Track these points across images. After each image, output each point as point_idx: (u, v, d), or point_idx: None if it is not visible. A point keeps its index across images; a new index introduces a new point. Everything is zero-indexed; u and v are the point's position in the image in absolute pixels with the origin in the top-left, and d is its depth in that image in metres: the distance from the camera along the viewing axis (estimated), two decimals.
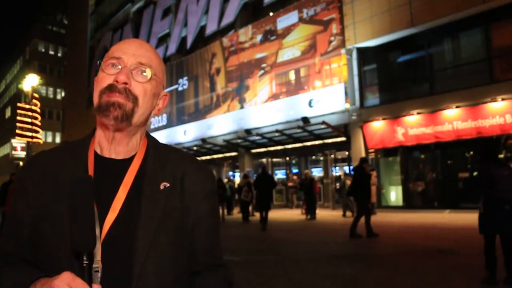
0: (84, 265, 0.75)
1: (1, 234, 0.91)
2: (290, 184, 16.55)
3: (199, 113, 21.51)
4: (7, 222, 0.90)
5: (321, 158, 17.71)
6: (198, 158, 1.02)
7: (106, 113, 0.84)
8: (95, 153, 0.90)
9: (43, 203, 0.85)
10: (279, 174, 20.42)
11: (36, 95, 35.75)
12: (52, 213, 0.83)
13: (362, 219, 8.07)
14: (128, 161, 0.90)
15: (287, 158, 19.45)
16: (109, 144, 0.90)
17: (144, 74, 0.88)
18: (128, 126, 0.87)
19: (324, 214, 13.88)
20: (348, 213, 12.39)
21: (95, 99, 0.87)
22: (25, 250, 0.86)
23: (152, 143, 0.96)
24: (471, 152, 13.05)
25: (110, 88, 0.85)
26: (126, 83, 0.85)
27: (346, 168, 17.61)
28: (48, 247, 0.82)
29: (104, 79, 0.86)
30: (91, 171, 0.87)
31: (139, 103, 0.87)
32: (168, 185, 0.89)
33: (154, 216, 0.85)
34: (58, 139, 47.02)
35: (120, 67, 0.86)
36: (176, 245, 0.87)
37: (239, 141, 18.50)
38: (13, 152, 30.18)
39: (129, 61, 0.87)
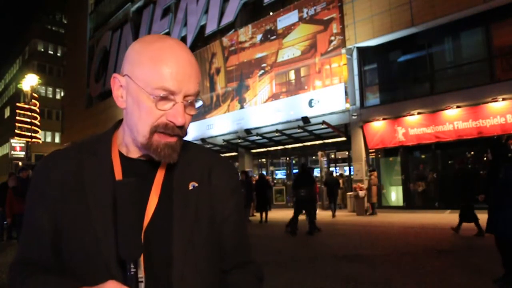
0: (132, 273, 0.71)
1: (21, 243, 0.86)
2: None
3: (199, 113, 21.45)
4: (26, 229, 0.84)
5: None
6: None
7: (159, 154, 0.80)
8: (120, 153, 0.86)
9: (67, 208, 0.80)
10: (279, 174, 20.40)
11: (35, 95, 35.73)
12: (80, 218, 0.79)
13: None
14: (155, 162, 0.85)
15: (287, 158, 19.42)
16: (139, 150, 0.85)
17: (195, 104, 0.83)
18: None
19: (324, 214, 13.84)
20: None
21: (142, 133, 0.79)
22: (49, 258, 0.81)
23: None
24: (472, 152, 13.02)
25: (165, 128, 0.79)
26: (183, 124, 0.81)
27: (346, 168, 17.60)
28: (79, 253, 0.78)
29: (154, 112, 0.78)
30: (118, 173, 0.82)
31: (186, 132, 0.84)
32: (196, 184, 0.86)
33: (187, 218, 0.83)
34: (57, 139, 46.97)
35: (173, 101, 0.78)
36: (210, 244, 0.85)
37: (239, 141, 18.48)
38: (12, 152, 30.12)
39: (182, 94, 0.78)
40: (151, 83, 0.77)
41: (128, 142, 0.85)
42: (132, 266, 0.71)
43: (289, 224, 9.18)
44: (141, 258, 0.76)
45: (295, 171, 18.48)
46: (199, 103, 0.84)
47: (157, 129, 0.79)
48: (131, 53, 0.82)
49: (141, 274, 0.75)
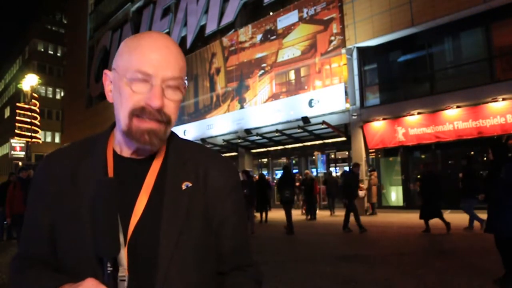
0: (108, 271, 0.71)
1: (22, 238, 0.87)
2: (297, 184, 16.25)
3: (199, 113, 21.47)
4: (26, 225, 0.86)
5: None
6: None
7: (141, 141, 0.79)
8: (114, 152, 0.86)
9: (62, 204, 0.81)
10: (279, 174, 20.37)
11: (35, 95, 35.68)
12: (71, 215, 0.80)
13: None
14: (149, 161, 0.85)
15: (287, 158, 19.40)
16: (131, 149, 0.85)
17: (177, 90, 0.81)
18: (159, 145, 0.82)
19: (324, 214, 13.84)
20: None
21: (123, 119, 0.80)
22: (46, 252, 0.82)
23: (172, 139, 0.91)
24: (472, 152, 13.01)
25: (143, 111, 0.78)
26: (160, 107, 0.78)
27: (347, 168, 17.57)
28: (69, 250, 0.79)
29: (132, 97, 0.78)
30: (110, 172, 0.83)
31: (172, 122, 0.82)
32: (190, 184, 0.85)
33: (176, 218, 0.81)
34: (57, 139, 46.98)
35: (150, 84, 0.78)
36: (201, 246, 0.83)
37: (239, 141, 18.47)
38: (12, 152, 30.09)
39: (159, 77, 0.78)
40: (129, 69, 0.78)
41: (120, 140, 0.86)
42: (109, 265, 0.71)
43: (345, 225, 9.26)
44: (125, 257, 0.76)
45: (295, 171, 18.47)
46: (181, 88, 0.82)
47: (135, 113, 0.78)
48: (119, 48, 0.84)
49: (124, 273, 0.75)
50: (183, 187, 0.84)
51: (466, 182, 8.49)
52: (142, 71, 0.77)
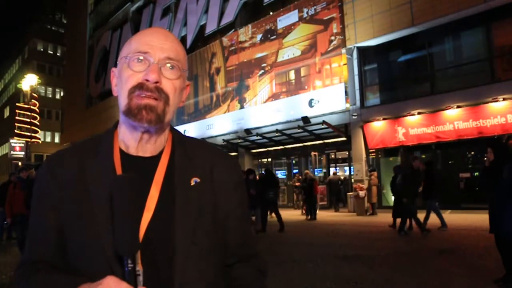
0: (130, 268, 0.72)
1: (27, 242, 0.87)
2: (297, 184, 16.28)
3: (199, 113, 21.46)
4: (32, 229, 0.86)
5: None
6: None
7: (138, 117, 0.81)
8: (121, 151, 0.87)
9: (70, 205, 0.81)
10: (279, 174, 20.37)
11: (35, 94, 35.69)
12: (84, 216, 0.80)
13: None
14: (156, 158, 0.87)
15: (287, 158, 19.40)
16: (136, 143, 0.86)
17: (174, 70, 0.84)
18: (161, 128, 0.85)
19: (325, 214, 13.83)
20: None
21: (123, 100, 0.82)
22: (54, 255, 0.82)
23: (177, 136, 0.94)
24: (472, 152, 13.01)
25: (141, 88, 0.81)
26: (157, 82, 0.81)
27: (347, 168, 17.56)
28: (82, 251, 0.79)
29: (131, 77, 0.82)
30: (118, 170, 0.83)
31: (170, 102, 0.84)
32: (199, 180, 0.87)
33: (190, 213, 0.83)
34: (57, 139, 46.91)
35: (148, 63, 0.82)
36: (213, 239, 0.86)
37: (239, 141, 18.46)
38: (12, 152, 30.10)
39: (156, 56, 0.82)
40: (129, 53, 0.84)
41: (125, 137, 0.87)
42: (129, 261, 0.71)
43: (398, 227, 8.83)
44: (139, 252, 0.76)
45: (295, 171, 18.48)
46: (177, 69, 0.85)
47: (134, 90, 0.81)
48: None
49: (139, 267, 0.75)
50: (192, 182, 0.86)
51: (425, 185, 8.90)
52: (139, 50, 0.82)
